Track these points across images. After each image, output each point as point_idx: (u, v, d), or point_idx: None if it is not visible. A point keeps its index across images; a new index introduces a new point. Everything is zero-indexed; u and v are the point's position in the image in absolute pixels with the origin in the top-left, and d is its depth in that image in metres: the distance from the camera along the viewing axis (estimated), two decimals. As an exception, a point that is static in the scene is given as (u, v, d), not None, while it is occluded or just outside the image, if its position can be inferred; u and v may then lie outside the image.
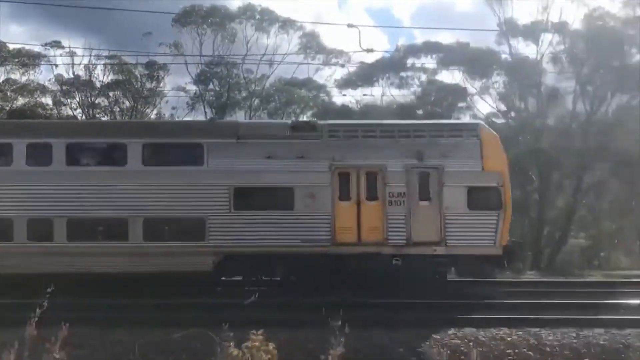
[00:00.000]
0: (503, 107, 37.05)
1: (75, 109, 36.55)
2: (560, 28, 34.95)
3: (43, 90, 36.46)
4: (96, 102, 36.71)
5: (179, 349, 9.63)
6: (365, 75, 37.84)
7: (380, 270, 14.48)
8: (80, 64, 35.93)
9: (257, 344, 6.87)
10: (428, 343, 8.48)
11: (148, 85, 37.35)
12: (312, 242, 14.59)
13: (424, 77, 38.22)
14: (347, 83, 38.58)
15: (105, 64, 36.75)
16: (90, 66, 36.41)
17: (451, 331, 10.03)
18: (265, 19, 37.97)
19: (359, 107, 37.97)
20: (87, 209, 14.69)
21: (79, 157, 15.29)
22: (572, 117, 34.31)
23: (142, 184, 14.81)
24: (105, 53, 36.93)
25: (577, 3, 35.53)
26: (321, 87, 39.06)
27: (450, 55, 36.35)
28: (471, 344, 9.43)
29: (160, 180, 14.79)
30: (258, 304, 10.28)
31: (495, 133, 16.00)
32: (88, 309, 11.63)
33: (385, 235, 14.67)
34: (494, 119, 34.88)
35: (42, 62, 36.15)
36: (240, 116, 37.01)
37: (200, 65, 37.25)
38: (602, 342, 9.86)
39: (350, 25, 20.73)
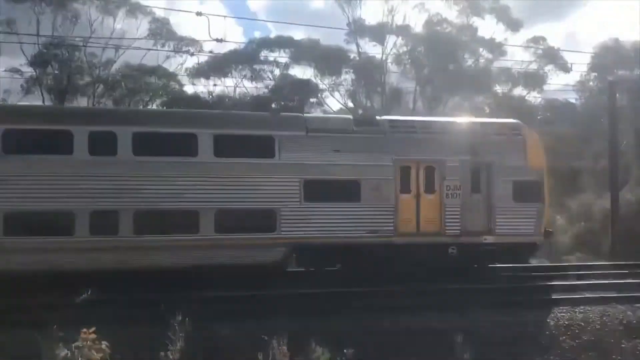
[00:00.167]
0: (351, 104, 38.69)
1: None
2: (403, 31, 37.22)
3: None
4: None
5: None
6: (218, 66, 37.34)
7: (437, 259, 15.14)
8: None
9: (88, 342, 6.52)
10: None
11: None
12: (376, 232, 14.96)
13: (277, 71, 38.70)
14: (199, 73, 37.81)
15: None
16: None
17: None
18: (112, 2, 35.95)
19: (210, 97, 37.44)
20: (156, 202, 13.95)
21: (147, 148, 14.13)
22: (413, 115, 36.67)
23: (213, 176, 14.30)
24: None
25: (419, 8, 38.00)
26: (171, 76, 37.83)
27: (301, 51, 37.11)
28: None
29: (232, 172, 14.37)
30: (93, 302, 9.71)
31: (535, 132, 17.23)
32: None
33: (442, 226, 15.38)
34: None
35: None
36: (82, 103, 34.69)
37: (37, 45, 34.34)
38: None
39: (198, 14, 20.17)
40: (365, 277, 14.34)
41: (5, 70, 34.75)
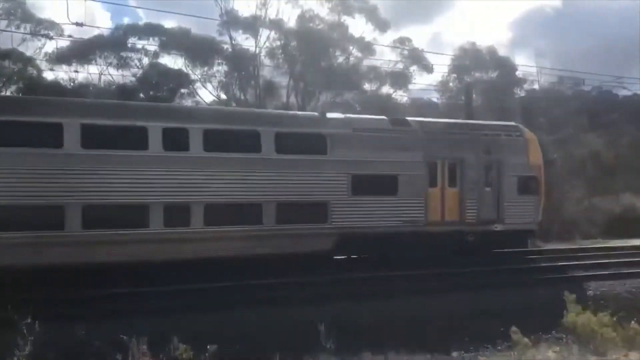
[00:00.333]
0: (224, 97, 38.18)
1: None
2: (276, 25, 37.29)
3: None
4: None
5: None
6: (81, 52, 35.10)
7: (458, 244, 17.32)
8: None
9: None
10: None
11: None
12: (410, 222, 16.73)
13: (145, 60, 37.16)
14: (59, 58, 35.30)
15: None
16: None
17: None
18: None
19: (72, 85, 35.17)
20: (225, 195, 14.79)
21: (217, 144, 14.91)
22: (287, 109, 36.96)
23: (275, 171, 15.27)
24: None
25: (292, 3, 38.24)
26: (28, 60, 34.97)
27: (172, 40, 35.97)
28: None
29: (290, 167, 15.47)
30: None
31: (533, 134, 19.47)
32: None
33: (462, 216, 17.47)
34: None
35: None
36: None
37: None
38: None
39: (58, -5, 18.82)
40: (399, 262, 15.83)
41: None
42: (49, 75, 35.52)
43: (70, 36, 32.06)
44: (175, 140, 14.52)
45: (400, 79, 40.93)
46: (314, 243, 15.56)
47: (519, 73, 45.66)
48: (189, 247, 14.21)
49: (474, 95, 40.07)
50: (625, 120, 41.62)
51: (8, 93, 32.83)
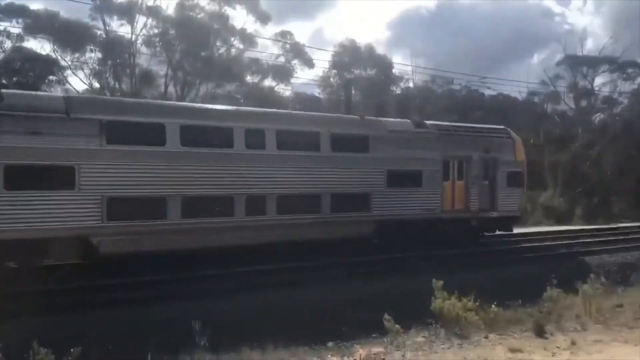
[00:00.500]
0: (97, 85, 36.19)
1: None
2: (154, 12, 35.93)
3: None
4: None
5: None
6: None
7: (464, 228, 20.55)
8: None
9: None
10: None
11: None
12: (430, 210, 19.58)
13: (8, 43, 34.30)
14: None
15: None
16: None
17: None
18: None
19: None
20: (293, 188, 16.79)
21: (286, 143, 16.85)
22: (165, 99, 35.74)
23: (331, 167, 17.63)
24: None
25: (171, -9, 37.01)
26: None
27: (38, 23, 33.46)
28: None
29: (342, 163, 17.88)
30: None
31: (518, 136, 22.85)
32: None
33: (467, 205, 20.51)
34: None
35: None
36: None
37: None
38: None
39: None
40: (418, 244, 18.64)
41: None
42: None
43: None
44: (254, 139, 16.37)
45: (282, 73, 41.06)
46: (360, 229, 18.22)
47: (395, 71, 47.64)
48: (265, 233, 16.15)
49: (353, 91, 41.32)
50: (490, 117, 44.70)
51: None
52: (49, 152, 13.29)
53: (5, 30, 33.61)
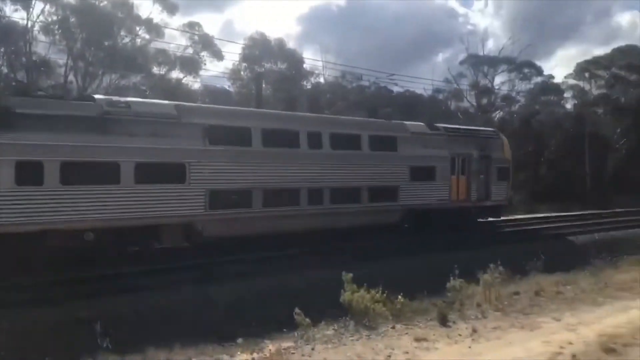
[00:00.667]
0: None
1: None
2: (52, -2, 33.89)
3: None
4: None
5: None
6: None
7: (466, 215, 24.33)
8: None
9: None
10: None
11: None
12: (441, 200, 23.18)
13: None
14: None
15: None
16: None
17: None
18: None
19: None
20: (342, 181, 20.05)
21: (338, 143, 20.14)
22: (65, 91, 33.87)
23: (369, 163, 20.89)
24: None
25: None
26: None
27: None
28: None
29: (378, 160, 21.16)
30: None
31: (504, 137, 27.12)
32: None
33: (468, 196, 24.19)
34: None
35: None
36: None
37: None
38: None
39: None
40: (436, 230, 22.34)
41: None
42: None
43: None
44: (314, 140, 19.49)
45: (190, 64, 40.06)
46: (390, 216, 21.51)
47: (306, 66, 47.81)
48: (322, 220, 19.10)
49: (264, 85, 41.06)
50: (399, 113, 45.89)
51: None
52: (167, 152, 15.84)
53: None
